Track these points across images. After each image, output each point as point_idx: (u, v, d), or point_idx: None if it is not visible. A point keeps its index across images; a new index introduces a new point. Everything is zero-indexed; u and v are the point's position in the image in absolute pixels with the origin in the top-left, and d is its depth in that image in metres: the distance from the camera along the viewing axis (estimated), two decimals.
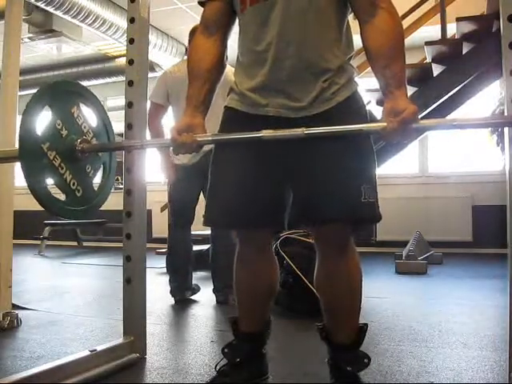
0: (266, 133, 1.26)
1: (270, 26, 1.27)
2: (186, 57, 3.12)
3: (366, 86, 4.37)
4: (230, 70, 2.98)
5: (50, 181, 1.43)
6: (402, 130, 1.18)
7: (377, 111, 3.92)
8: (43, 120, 1.43)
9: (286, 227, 1.42)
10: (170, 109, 3.00)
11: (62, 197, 1.49)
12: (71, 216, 1.55)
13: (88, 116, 1.61)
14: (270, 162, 1.32)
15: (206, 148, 2.75)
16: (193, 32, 3.06)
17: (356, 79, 1.37)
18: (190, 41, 3.12)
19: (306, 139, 1.26)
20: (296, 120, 1.28)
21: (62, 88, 1.55)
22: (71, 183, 1.50)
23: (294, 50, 1.26)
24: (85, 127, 1.57)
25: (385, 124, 1.19)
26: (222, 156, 1.40)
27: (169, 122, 3.04)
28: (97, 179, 1.65)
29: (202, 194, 2.90)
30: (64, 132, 1.48)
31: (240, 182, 1.34)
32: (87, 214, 1.61)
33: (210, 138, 1.35)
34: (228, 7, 1.38)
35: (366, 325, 1.38)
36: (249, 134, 1.30)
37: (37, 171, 1.38)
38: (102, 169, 1.67)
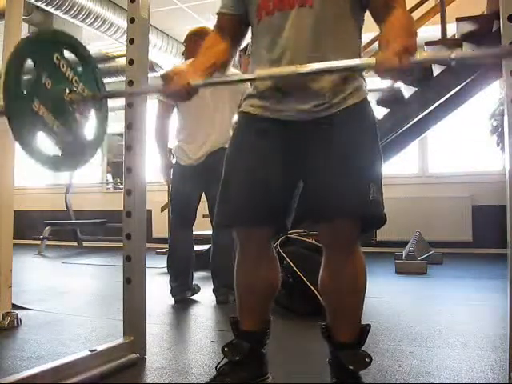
0: (260, 73, 1.31)
1: (284, 35, 1.31)
2: (185, 59, 3.12)
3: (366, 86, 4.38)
4: None
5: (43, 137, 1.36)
6: (396, 61, 1.10)
7: (377, 111, 3.93)
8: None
9: (289, 228, 1.43)
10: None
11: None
12: (67, 168, 1.52)
13: (74, 64, 1.51)
14: (281, 161, 1.35)
15: (211, 149, 2.78)
16: (189, 37, 3.06)
17: (365, 88, 1.39)
18: (186, 46, 3.11)
19: (317, 139, 1.30)
20: (307, 121, 1.31)
21: (41, 38, 1.48)
22: (64, 136, 1.43)
23: (306, 58, 1.28)
24: (71, 77, 1.48)
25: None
26: (232, 156, 1.43)
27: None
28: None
29: (204, 194, 2.90)
30: (49, 83, 1.39)
31: (247, 180, 1.36)
32: (82, 164, 1.54)
33: (201, 83, 1.36)
34: (242, 19, 1.44)
35: (369, 325, 1.38)
36: (244, 75, 1.40)
37: (28, 129, 1.32)
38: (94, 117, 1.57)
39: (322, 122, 1.31)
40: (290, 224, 1.42)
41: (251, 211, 1.35)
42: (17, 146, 2.25)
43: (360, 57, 1.38)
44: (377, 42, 4.23)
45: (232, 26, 1.46)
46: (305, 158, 1.33)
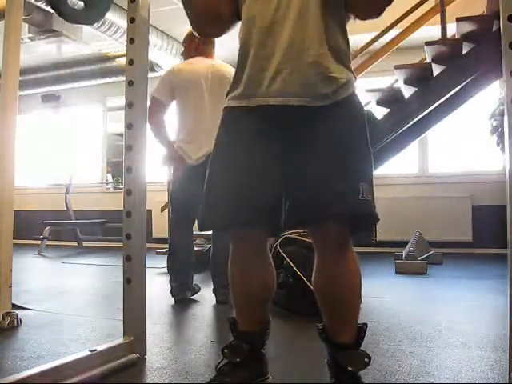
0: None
1: (269, 10, 1.29)
2: (184, 59, 3.12)
3: (366, 86, 4.39)
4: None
5: None
6: None
7: (377, 111, 3.93)
8: None
9: (283, 228, 1.41)
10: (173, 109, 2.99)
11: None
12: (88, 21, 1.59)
13: None
14: (268, 161, 1.32)
15: (211, 149, 2.77)
16: (188, 37, 3.05)
17: (354, 83, 1.36)
18: (185, 46, 3.11)
19: (304, 137, 1.26)
20: (296, 110, 1.27)
21: None
22: None
23: (293, 37, 1.26)
24: None
25: None
26: (218, 156, 1.40)
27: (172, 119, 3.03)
28: None
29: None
30: None
31: (236, 180, 1.33)
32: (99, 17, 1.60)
33: None
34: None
35: (366, 324, 1.37)
36: None
37: None
38: None
39: (312, 114, 1.27)
40: (282, 223, 1.37)
41: (241, 213, 1.32)
42: (17, 145, 2.27)
43: (345, 31, 1.36)
44: (376, 43, 4.24)
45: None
46: (292, 154, 1.30)
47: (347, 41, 1.35)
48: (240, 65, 1.36)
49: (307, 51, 1.27)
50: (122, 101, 1.82)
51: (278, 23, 1.28)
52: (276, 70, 1.28)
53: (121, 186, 7.27)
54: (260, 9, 1.31)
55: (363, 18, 1.37)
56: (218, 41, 3.08)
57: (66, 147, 7.98)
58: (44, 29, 5.23)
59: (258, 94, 1.31)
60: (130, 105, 1.77)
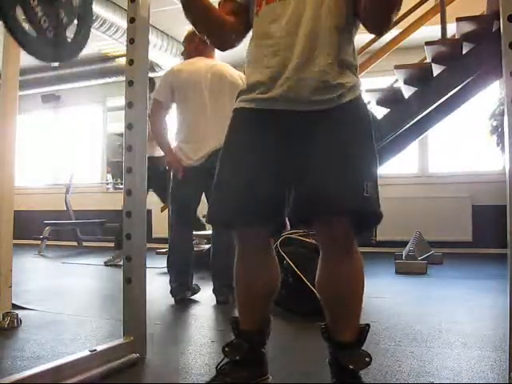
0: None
1: (281, 22, 1.31)
2: (184, 59, 3.12)
3: (366, 86, 4.38)
4: (238, 76, 2.99)
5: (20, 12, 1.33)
6: None
7: (377, 111, 3.93)
8: None
9: (286, 227, 1.43)
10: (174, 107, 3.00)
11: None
12: (42, 55, 1.50)
13: None
14: (275, 160, 1.34)
15: (212, 149, 2.77)
16: (188, 37, 3.05)
17: (360, 87, 1.39)
18: (185, 46, 3.11)
19: (311, 136, 1.29)
20: (303, 114, 1.30)
21: None
22: (42, 20, 1.42)
23: (303, 47, 1.28)
24: None
25: None
26: (226, 154, 1.42)
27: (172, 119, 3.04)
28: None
29: (204, 195, 2.90)
30: None
31: (242, 179, 1.36)
32: (58, 58, 1.54)
33: None
34: (243, 8, 1.43)
35: (368, 325, 1.38)
36: None
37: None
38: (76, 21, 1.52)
39: (318, 116, 1.30)
40: (286, 221, 1.41)
41: (246, 212, 1.35)
42: (17, 146, 2.27)
43: (356, 56, 1.38)
44: (376, 43, 4.24)
45: (235, 11, 1.44)
46: (298, 154, 1.32)
47: (354, 50, 1.38)
48: (251, 71, 1.39)
49: (316, 60, 1.29)
50: (121, 101, 1.82)
51: (291, 35, 1.30)
52: (286, 77, 1.30)
53: (121, 186, 7.27)
54: (273, 21, 1.33)
55: (372, 31, 1.37)
56: None
57: (66, 147, 7.98)
58: None
59: (267, 98, 1.33)
60: (129, 105, 1.77)
